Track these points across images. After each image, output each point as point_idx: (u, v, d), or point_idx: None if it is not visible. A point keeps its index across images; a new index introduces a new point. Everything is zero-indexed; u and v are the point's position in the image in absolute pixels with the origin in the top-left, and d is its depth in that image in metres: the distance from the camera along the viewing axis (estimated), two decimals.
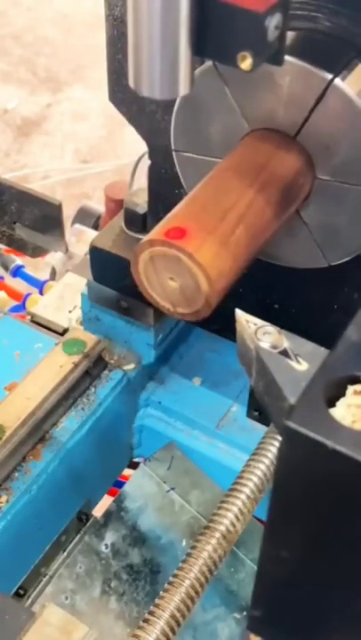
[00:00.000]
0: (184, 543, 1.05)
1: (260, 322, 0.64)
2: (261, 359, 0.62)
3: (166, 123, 0.86)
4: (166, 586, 0.80)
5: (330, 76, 0.74)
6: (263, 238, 0.78)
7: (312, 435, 0.50)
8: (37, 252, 1.05)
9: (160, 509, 1.07)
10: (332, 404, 0.52)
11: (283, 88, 0.76)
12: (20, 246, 1.06)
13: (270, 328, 0.63)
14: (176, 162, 0.88)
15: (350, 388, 0.53)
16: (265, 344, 0.62)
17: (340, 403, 0.52)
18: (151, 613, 0.77)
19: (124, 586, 1.02)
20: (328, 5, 0.77)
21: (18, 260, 1.51)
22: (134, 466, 1.15)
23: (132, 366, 1.07)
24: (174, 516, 1.06)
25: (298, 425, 0.50)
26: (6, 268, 1.49)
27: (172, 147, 0.87)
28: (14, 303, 1.41)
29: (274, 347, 0.61)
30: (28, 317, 1.24)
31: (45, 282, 1.44)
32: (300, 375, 0.59)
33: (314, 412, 0.51)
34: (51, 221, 0.98)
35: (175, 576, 0.80)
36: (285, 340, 0.62)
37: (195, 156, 0.86)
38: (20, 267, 1.50)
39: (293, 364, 0.60)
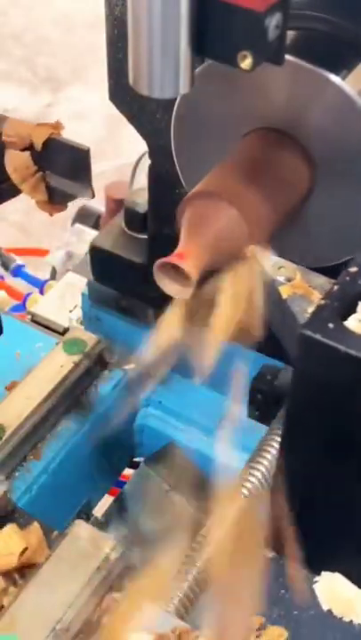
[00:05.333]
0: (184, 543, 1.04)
1: (275, 258, 0.68)
2: (278, 291, 0.68)
3: (166, 122, 0.86)
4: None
5: (330, 76, 0.74)
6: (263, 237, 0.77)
7: (326, 340, 0.55)
8: (66, 199, 1.02)
9: (160, 509, 1.07)
10: (344, 319, 0.57)
11: (283, 87, 0.76)
12: (50, 195, 1.03)
13: (285, 262, 0.68)
14: (176, 161, 0.88)
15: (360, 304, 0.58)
16: (281, 277, 0.66)
17: (352, 317, 0.57)
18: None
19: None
20: (328, 5, 0.77)
21: (18, 260, 1.51)
22: (134, 466, 1.15)
23: (132, 366, 1.07)
24: (174, 516, 1.06)
25: (313, 332, 0.55)
26: (6, 268, 1.49)
27: (173, 146, 0.87)
28: (14, 303, 1.41)
29: (288, 280, 0.67)
30: (29, 317, 1.24)
31: (45, 281, 1.44)
32: (313, 304, 0.63)
33: (327, 322, 0.56)
34: (79, 168, 0.96)
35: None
36: (299, 274, 0.67)
37: (195, 155, 0.86)
38: (21, 266, 1.50)
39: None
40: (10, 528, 0.79)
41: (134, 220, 1.00)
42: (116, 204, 1.42)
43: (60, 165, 0.95)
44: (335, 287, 0.58)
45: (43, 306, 1.25)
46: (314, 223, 0.83)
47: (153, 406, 1.11)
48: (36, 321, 1.23)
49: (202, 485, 1.08)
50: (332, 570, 0.67)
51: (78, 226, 1.53)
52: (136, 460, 1.15)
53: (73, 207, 1.58)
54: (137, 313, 1.05)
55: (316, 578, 0.68)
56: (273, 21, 0.60)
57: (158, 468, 1.09)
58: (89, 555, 0.76)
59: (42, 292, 1.41)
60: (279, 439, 0.96)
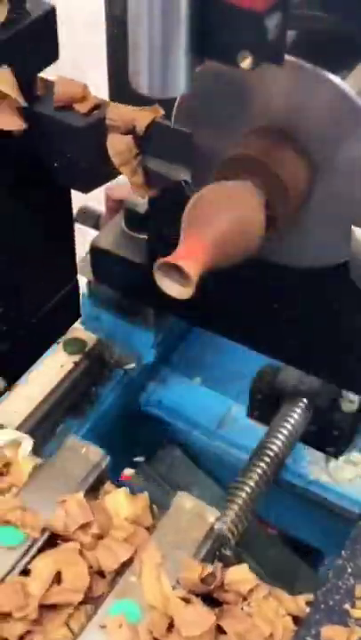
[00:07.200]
0: None
1: None
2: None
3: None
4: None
5: (330, 76, 0.74)
6: (260, 236, 0.77)
7: None
8: (162, 182, 1.02)
9: (160, 509, 1.06)
10: None
11: (283, 87, 0.76)
12: (149, 177, 1.03)
13: None
14: None
15: None
16: None
17: None
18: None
19: None
20: (328, 5, 0.77)
21: None
22: (134, 466, 1.15)
23: (132, 366, 1.08)
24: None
25: None
26: None
27: None
28: None
29: None
30: None
31: None
32: None
33: None
34: (182, 150, 0.97)
35: None
36: None
37: (195, 155, 0.86)
38: None
39: None
40: (122, 490, 0.86)
41: (134, 220, 1.01)
42: (116, 204, 1.42)
43: (161, 148, 0.95)
44: None
45: None
46: (314, 223, 0.83)
47: (153, 406, 1.11)
48: None
49: (201, 485, 1.08)
50: None
51: (78, 226, 1.53)
52: (136, 459, 1.15)
53: (73, 207, 1.58)
54: (137, 313, 1.05)
55: None
56: (273, 21, 0.60)
57: (158, 468, 1.09)
58: (195, 525, 0.83)
59: None
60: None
